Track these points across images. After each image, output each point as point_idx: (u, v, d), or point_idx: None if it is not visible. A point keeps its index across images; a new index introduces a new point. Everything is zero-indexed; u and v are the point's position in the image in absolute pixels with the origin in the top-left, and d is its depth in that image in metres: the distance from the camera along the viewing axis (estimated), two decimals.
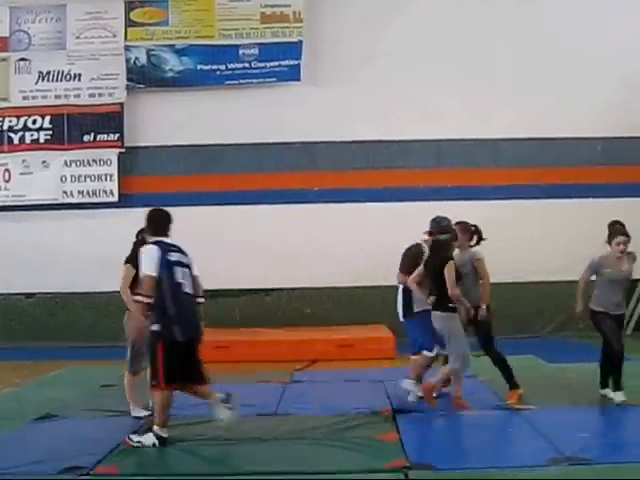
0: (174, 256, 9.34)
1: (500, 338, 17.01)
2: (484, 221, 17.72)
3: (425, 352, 10.29)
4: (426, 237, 10.53)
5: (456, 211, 17.74)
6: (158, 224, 9.86)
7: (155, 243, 9.34)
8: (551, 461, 7.35)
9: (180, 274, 9.30)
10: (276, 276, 17.78)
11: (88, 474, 7.18)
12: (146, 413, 9.63)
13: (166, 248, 9.25)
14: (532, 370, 12.90)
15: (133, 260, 9.80)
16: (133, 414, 9.82)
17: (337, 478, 7.10)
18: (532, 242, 17.78)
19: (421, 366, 10.30)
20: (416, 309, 10.48)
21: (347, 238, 17.59)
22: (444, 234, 10.52)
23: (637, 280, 17.93)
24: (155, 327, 8.61)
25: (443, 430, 8.82)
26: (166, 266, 9.10)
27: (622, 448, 7.94)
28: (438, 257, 10.25)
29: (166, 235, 9.61)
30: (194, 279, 9.77)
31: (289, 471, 7.26)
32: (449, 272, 9.99)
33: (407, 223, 17.67)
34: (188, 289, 9.43)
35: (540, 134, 18.06)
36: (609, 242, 10.40)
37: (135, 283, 9.56)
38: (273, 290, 18.04)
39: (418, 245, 10.76)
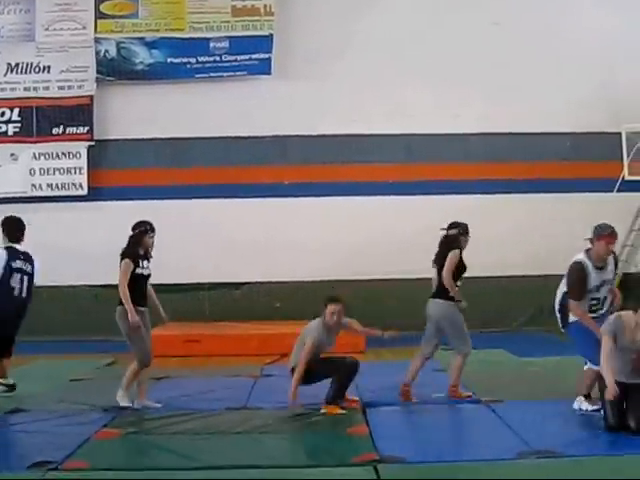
0: (18, 263, 10.65)
1: (471, 332, 17.18)
2: (454, 215, 17.87)
3: (590, 365, 9.36)
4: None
5: (426, 205, 17.97)
6: (10, 231, 10.91)
7: (6, 249, 10.66)
8: (520, 454, 7.38)
9: (17, 279, 10.61)
10: (246, 270, 17.76)
11: (57, 469, 7.12)
12: (129, 404, 9.73)
13: (14, 255, 10.61)
14: (501, 364, 13.00)
15: (131, 254, 10.07)
16: (121, 402, 9.80)
17: (307, 472, 7.09)
18: (501, 237, 17.86)
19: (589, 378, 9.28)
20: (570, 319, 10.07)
21: (317, 232, 17.61)
22: (453, 229, 10.93)
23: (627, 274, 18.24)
24: None
25: (413, 423, 8.86)
26: (8, 271, 10.49)
27: (589, 441, 8.00)
28: (445, 250, 10.70)
29: (18, 241, 10.80)
30: (30, 285, 10.88)
31: (259, 465, 7.25)
32: (448, 260, 10.45)
33: (377, 217, 17.83)
34: (19, 293, 10.67)
35: (510, 129, 18.15)
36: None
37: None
38: (243, 284, 18.02)
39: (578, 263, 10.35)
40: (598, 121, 17.94)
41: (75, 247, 17.34)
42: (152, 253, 10.40)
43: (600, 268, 9.70)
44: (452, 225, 11.01)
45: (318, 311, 16.14)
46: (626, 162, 16.61)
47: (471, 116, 17.99)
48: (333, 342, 9.98)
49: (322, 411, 9.33)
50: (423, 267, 17.71)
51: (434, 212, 17.77)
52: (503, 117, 17.97)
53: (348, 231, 17.60)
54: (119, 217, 17.54)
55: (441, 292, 10.38)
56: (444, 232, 11.00)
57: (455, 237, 10.87)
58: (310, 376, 9.56)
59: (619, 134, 16.70)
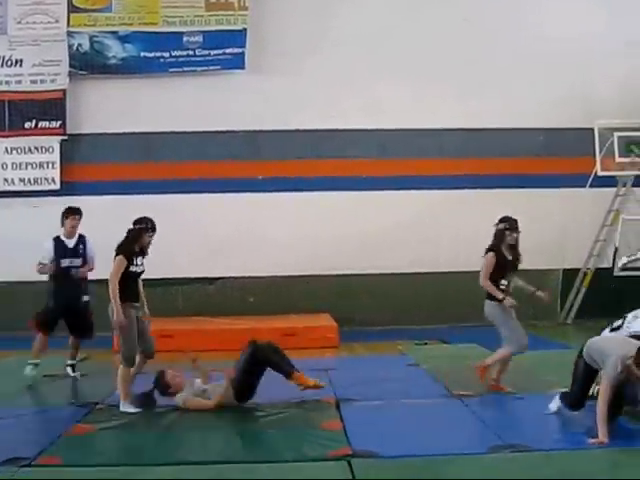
0: None
1: (444, 326, 17.32)
2: (427, 210, 18.02)
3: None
4: None
5: (400, 200, 18.02)
6: None
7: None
8: (493, 448, 7.43)
9: None
10: (220, 265, 17.73)
11: (30, 465, 7.11)
12: (134, 410, 9.39)
13: None
14: (474, 358, 12.99)
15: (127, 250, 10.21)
16: (122, 409, 9.46)
17: (281, 467, 7.10)
18: (475, 231, 17.84)
19: None
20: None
21: (291, 227, 17.61)
22: (501, 223, 10.96)
23: (576, 269, 18.36)
24: None
25: (386, 418, 8.85)
26: None
27: (562, 435, 8.07)
28: (487, 249, 10.70)
29: None
30: None
31: (233, 460, 7.26)
32: (483, 264, 10.47)
33: (351, 212, 17.85)
34: None
35: (483, 125, 18.21)
36: None
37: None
38: (217, 279, 17.99)
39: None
40: (571, 117, 18.02)
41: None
42: (148, 251, 10.34)
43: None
44: (501, 219, 11.01)
45: (292, 306, 16.27)
46: (598, 158, 16.71)
47: (445, 112, 18.02)
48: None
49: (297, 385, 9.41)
50: (397, 262, 17.95)
51: (408, 207, 17.92)
52: (476, 113, 18.01)
53: (322, 226, 17.61)
54: (92, 212, 17.45)
55: (487, 292, 10.31)
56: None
57: (500, 232, 10.88)
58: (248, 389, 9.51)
59: (592, 130, 16.79)
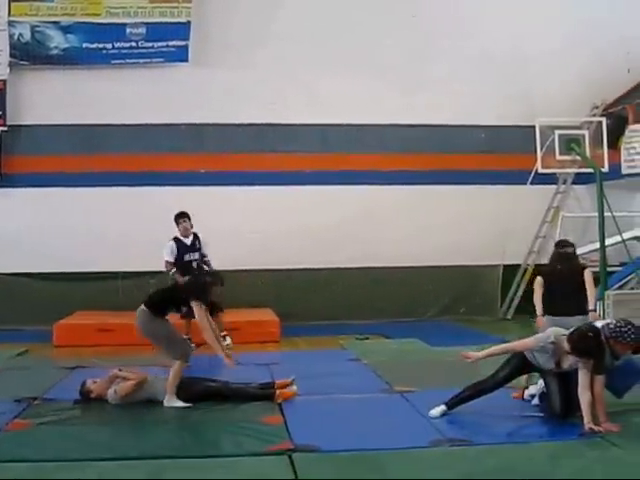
0: None
1: (385, 321, 17.38)
2: (369, 206, 18.08)
3: None
4: None
5: (342, 195, 18.06)
6: None
7: None
8: (433, 442, 7.49)
9: None
10: (160, 258, 17.55)
11: None
12: (183, 405, 9.28)
13: None
14: (415, 353, 13.11)
15: None
16: (168, 404, 9.33)
17: (222, 461, 7.08)
18: (417, 227, 18.04)
19: None
20: None
21: (233, 221, 17.55)
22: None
23: (516, 265, 18.55)
24: None
25: (328, 413, 8.87)
26: None
27: (501, 429, 8.13)
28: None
29: None
30: None
31: (173, 455, 7.23)
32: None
33: (294, 207, 17.86)
34: None
35: (426, 121, 18.32)
36: None
37: None
38: (158, 273, 17.84)
39: None
40: (513, 114, 18.20)
41: None
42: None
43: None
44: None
45: (234, 300, 16.19)
46: (539, 155, 16.84)
47: (388, 107, 18.09)
48: None
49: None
50: (339, 257, 17.98)
51: (351, 202, 17.97)
52: (419, 109, 18.11)
53: (264, 220, 17.58)
54: (32, 204, 17.39)
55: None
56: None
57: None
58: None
59: (533, 127, 16.93)
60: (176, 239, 14.19)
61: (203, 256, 14.24)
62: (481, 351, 8.90)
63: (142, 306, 9.70)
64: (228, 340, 13.39)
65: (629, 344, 7.77)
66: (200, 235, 14.32)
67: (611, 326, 7.80)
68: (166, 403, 9.24)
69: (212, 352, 9.75)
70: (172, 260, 14.06)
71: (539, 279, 10.32)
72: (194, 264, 14.01)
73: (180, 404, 9.18)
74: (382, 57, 17.95)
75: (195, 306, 9.43)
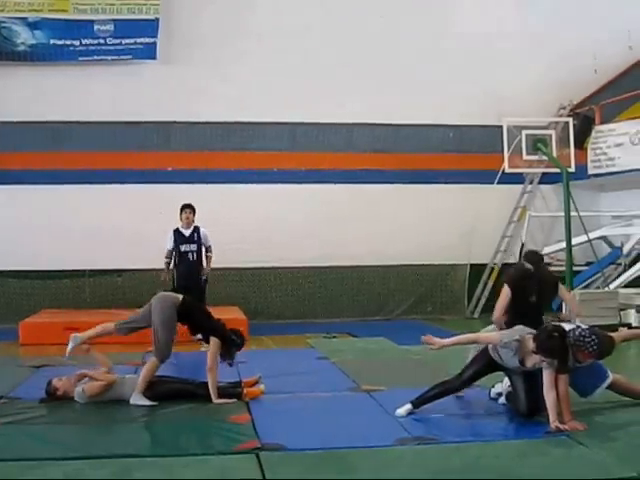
0: None
1: (353, 320, 17.43)
2: (337, 205, 18.10)
3: None
4: None
5: (309, 194, 18.07)
6: None
7: None
8: (400, 441, 7.49)
9: None
10: (128, 256, 17.50)
11: None
12: (150, 403, 9.19)
13: None
14: (383, 351, 13.12)
15: None
16: (134, 401, 9.24)
17: (188, 460, 7.05)
18: (384, 226, 18.08)
19: None
20: None
21: (200, 218, 17.43)
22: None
23: (484, 265, 18.63)
24: None
25: (295, 411, 8.85)
26: None
27: (468, 427, 8.18)
28: None
29: None
30: None
31: (139, 454, 7.19)
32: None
33: (261, 205, 17.86)
34: None
35: (394, 120, 18.38)
36: None
37: None
38: (125, 271, 17.79)
39: None
40: (480, 114, 18.31)
41: None
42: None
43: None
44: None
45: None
46: (506, 155, 16.93)
47: (356, 106, 18.11)
48: None
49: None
50: (306, 256, 18.00)
51: (318, 201, 17.99)
52: (387, 108, 18.16)
53: (232, 219, 17.53)
54: None
55: None
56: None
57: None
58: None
59: (500, 127, 17.01)
60: (176, 230, 14.70)
61: (206, 249, 14.83)
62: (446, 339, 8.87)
63: (177, 297, 9.74)
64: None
65: (591, 354, 7.82)
66: (202, 229, 14.81)
67: (576, 333, 7.83)
68: (132, 400, 9.19)
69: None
70: (170, 249, 14.62)
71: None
72: (189, 255, 14.62)
73: (146, 402, 9.14)
74: (350, 56, 17.96)
75: (214, 342, 9.38)
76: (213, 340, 9.34)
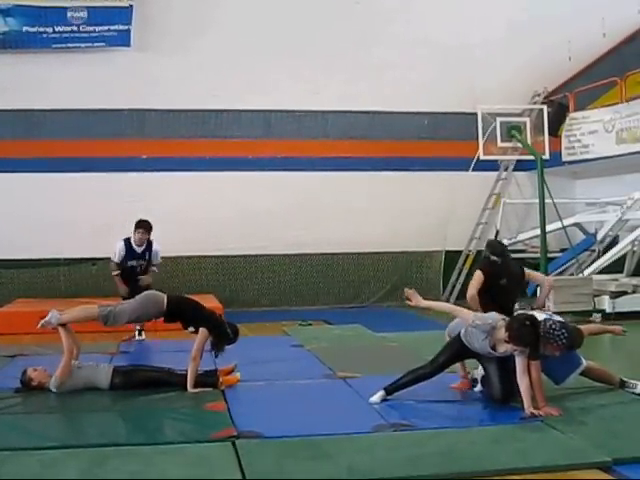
0: None
1: (328, 307, 17.45)
2: (312, 192, 18.10)
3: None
4: None
5: (283, 182, 18.06)
6: None
7: None
8: (376, 427, 7.51)
9: None
10: (102, 244, 17.39)
11: None
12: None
13: None
14: (358, 338, 13.15)
15: None
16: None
17: (164, 448, 7.05)
18: (359, 214, 18.11)
19: None
20: None
21: (176, 207, 17.46)
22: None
23: (459, 251, 18.70)
24: None
25: (271, 399, 8.86)
26: None
27: (444, 414, 8.19)
28: None
29: None
30: None
31: (115, 443, 7.17)
32: None
33: (236, 193, 17.84)
34: None
35: (369, 107, 18.41)
36: None
37: None
38: (99, 259, 17.70)
39: None
40: (455, 101, 18.36)
41: None
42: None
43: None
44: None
45: (176, 287, 16.11)
46: (481, 142, 16.95)
47: (331, 93, 18.14)
48: None
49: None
50: (280, 243, 18.00)
51: (293, 188, 17.99)
52: (362, 95, 18.19)
53: (206, 206, 17.56)
54: None
55: None
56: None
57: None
58: None
59: (475, 114, 17.04)
60: (127, 242, 13.58)
61: (151, 264, 13.76)
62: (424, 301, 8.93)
63: (163, 297, 9.67)
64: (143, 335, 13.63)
65: (559, 347, 7.86)
66: (155, 246, 13.69)
67: (547, 325, 7.87)
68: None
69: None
70: (117, 262, 13.56)
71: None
72: (137, 269, 13.59)
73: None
74: (325, 43, 17.98)
75: (202, 332, 9.34)
76: (201, 330, 9.32)
